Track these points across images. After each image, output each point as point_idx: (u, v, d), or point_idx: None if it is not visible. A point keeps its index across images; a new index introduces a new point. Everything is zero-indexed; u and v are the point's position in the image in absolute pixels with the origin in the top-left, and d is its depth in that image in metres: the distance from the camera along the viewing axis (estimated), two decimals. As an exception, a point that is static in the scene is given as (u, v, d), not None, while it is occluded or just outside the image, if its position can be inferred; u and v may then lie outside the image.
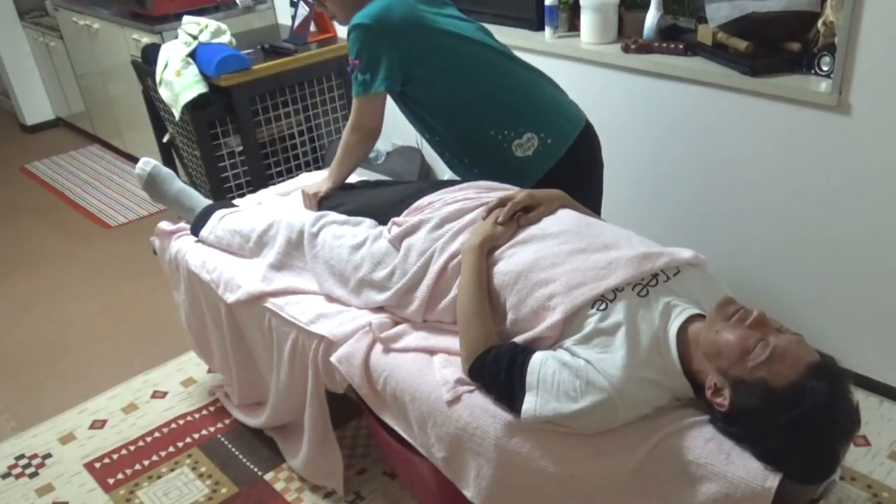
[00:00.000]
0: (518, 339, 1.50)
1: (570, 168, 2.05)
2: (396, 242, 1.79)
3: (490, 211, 1.69)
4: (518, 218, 1.67)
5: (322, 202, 2.14)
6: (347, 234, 1.87)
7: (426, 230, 1.75)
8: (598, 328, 1.41)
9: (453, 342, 1.62)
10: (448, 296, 1.66)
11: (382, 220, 1.91)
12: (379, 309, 1.80)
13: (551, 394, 1.36)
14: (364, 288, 1.80)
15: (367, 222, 1.91)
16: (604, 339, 1.40)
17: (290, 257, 1.97)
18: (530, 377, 1.39)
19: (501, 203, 1.68)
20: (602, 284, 1.45)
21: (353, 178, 2.26)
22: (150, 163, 2.26)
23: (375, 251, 1.79)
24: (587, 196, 1.95)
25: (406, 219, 1.83)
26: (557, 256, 1.54)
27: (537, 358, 1.41)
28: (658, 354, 1.38)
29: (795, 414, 1.22)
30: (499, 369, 1.45)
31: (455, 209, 1.77)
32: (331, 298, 1.87)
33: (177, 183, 2.28)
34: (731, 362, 1.28)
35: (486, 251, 1.61)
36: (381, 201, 1.99)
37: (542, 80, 2.08)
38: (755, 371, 1.25)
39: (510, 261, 1.58)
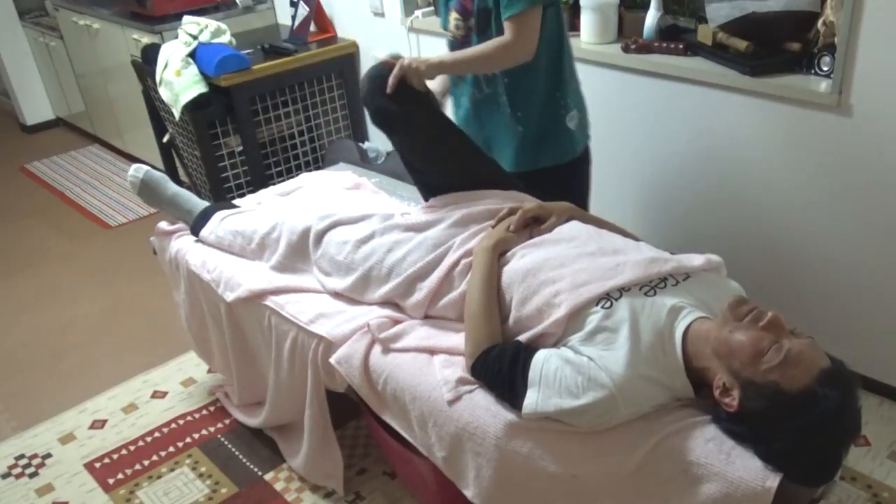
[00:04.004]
0: (522, 337, 1.51)
1: (572, 173, 2.10)
2: (414, 230, 1.82)
3: (500, 220, 1.73)
4: (531, 228, 1.70)
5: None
6: (353, 231, 1.89)
7: (445, 225, 1.79)
8: (601, 325, 1.41)
9: (454, 342, 1.63)
10: (453, 292, 1.68)
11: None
12: (379, 307, 1.80)
13: (553, 389, 1.36)
14: (371, 277, 1.80)
15: (376, 217, 1.92)
16: (607, 336, 1.40)
17: (292, 260, 1.98)
18: (532, 373, 1.40)
19: (511, 212, 1.72)
20: (608, 283, 1.46)
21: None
22: (141, 169, 2.25)
23: (386, 240, 1.82)
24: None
25: (427, 212, 1.87)
26: (567, 258, 1.56)
27: (540, 355, 1.42)
28: (661, 352, 1.39)
29: (805, 420, 1.22)
30: (501, 365, 1.45)
31: (480, 210, 1.80)
32: (332, 296, 1.88)
33: (171, 186, 2.28)
34: (742, 363, 1.28)
35: (498, 254, 1.64)
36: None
37: None
38: (768, 374, 1.25)
39: (521, 261, 1.61)
